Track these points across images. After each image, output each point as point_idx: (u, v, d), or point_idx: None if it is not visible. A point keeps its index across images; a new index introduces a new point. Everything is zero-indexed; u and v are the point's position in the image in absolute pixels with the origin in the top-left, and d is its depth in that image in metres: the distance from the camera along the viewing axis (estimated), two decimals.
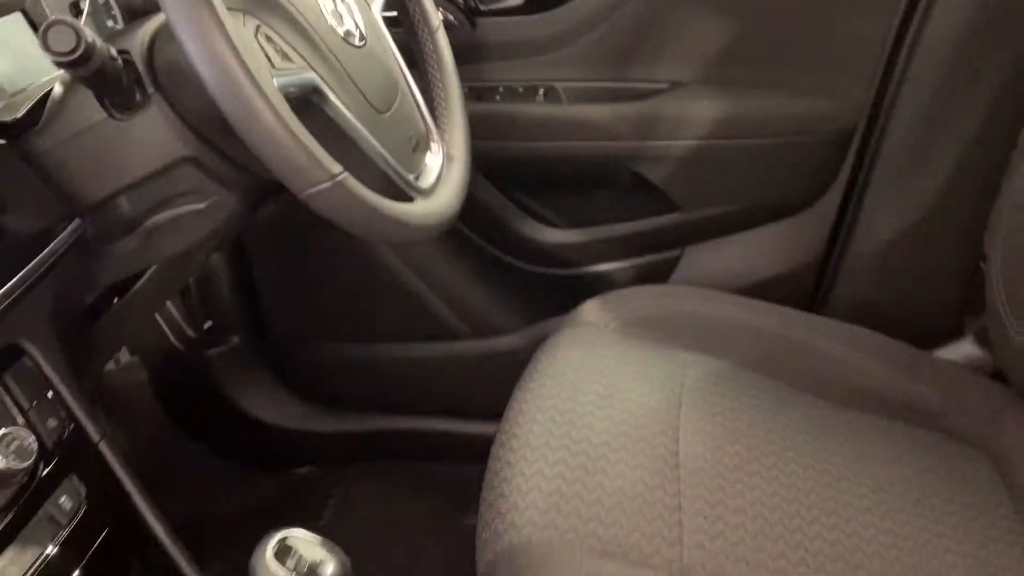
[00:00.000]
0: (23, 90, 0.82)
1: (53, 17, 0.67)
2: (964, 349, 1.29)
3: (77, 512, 0.72)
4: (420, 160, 0.93)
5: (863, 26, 1.23)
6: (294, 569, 0.58)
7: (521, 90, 1.35)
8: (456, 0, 1.31)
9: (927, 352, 1.21)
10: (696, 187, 1.36)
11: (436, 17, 1.05)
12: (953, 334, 1.32)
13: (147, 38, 0.79)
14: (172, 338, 1.45)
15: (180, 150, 0.80)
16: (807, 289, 1.40)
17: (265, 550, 0.59)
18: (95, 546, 0.73)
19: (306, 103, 0.73)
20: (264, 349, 1.53)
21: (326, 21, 0.84)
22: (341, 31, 0.85)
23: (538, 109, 1.36)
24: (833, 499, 0.86)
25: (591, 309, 1.14)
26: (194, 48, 0.63)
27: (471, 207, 0.97)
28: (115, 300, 0.97)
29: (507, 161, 1.37)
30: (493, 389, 1.13)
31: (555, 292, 1.44)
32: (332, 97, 0.76)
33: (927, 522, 0.85)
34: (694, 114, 1.30)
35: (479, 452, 1.02)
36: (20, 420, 0.71)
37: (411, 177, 0.86)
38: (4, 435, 0.67)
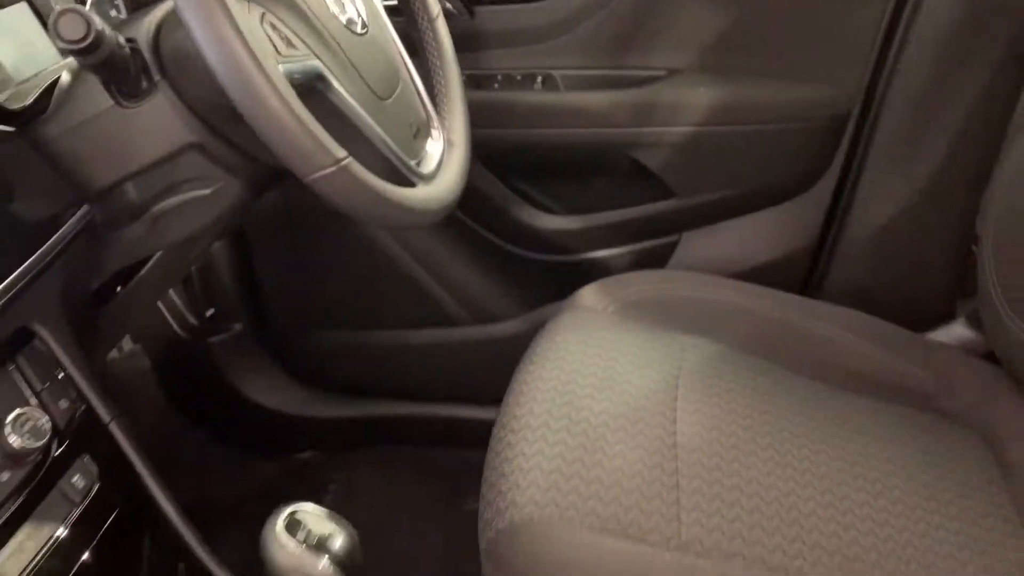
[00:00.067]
0: (30, 79, 0.84)
1: (64, 5, 0.69)
2: (956, 331, 1.30)
3: (90, 491, 0.74)
4: (421, 146, 0.95)
5: (857, 14, 1.24)
6: (304, 541, 0.60)
7: (519, 78, 1.36)
8: None
9: (920, 335, 1.22)
10: (693, 173, 1.37)
11: (436, 6, 1.05)
12: (945, 317, 1.33)
13: (153, 26, 0.80)
14: (175, 326, 1.46)
15: (186, 137, 0.81)
16: (802, 273, 1.41)
17: (275, 524, 0.61)
18: (107, 524, 0.74)
19: (310, 90, 0.75)
20: (266, 336, 1.54)
21: (328, 9, 0.85)
22: (343, 19, 0.86)
23: (536, 97, 1.36)
24: (827, 477, 0.87)
25: (590, 294, 1.15)
26: (202, 35, 0.64)
27: (470, 194, 0.98)
28: (118, 288, 0.98)
29: (505, 148, 1.38)
30: (492, 375, 1.15)
31: (553, 278, 1.45)
32: (336, 84, 0.77)
33: (920, 499, 0.86)
34: (690, 101, 1.31)
35: (479, 437, 1.03)
36: (33, 401, 0.73)
37: (413, 163, 0.87)
38: (18, 415, 0.69)
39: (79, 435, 0.75)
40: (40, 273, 0.75)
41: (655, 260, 1.44)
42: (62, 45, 0.68)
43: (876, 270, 1.35)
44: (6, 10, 0.84)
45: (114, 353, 1.47)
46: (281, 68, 0.68)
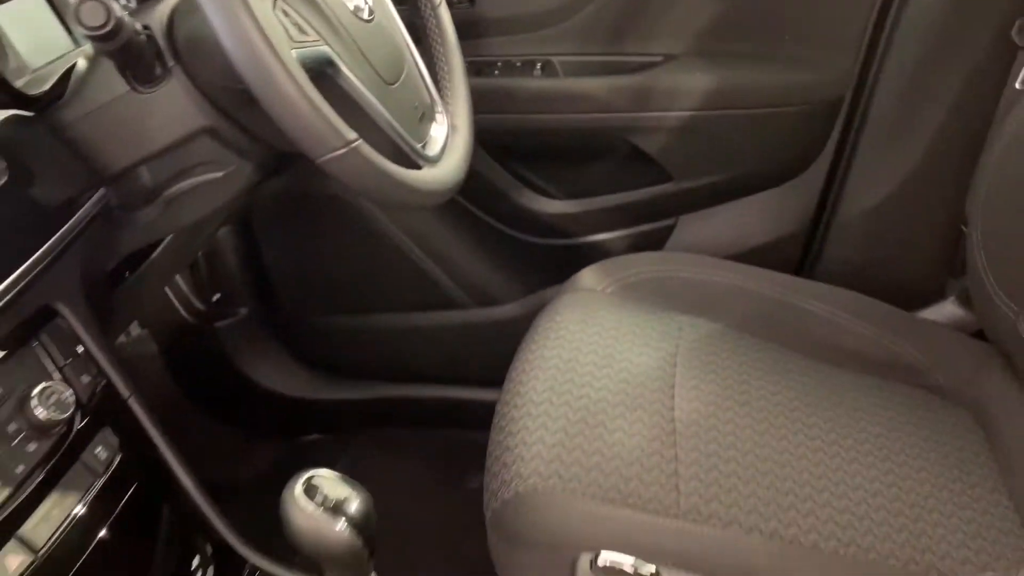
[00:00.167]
0: (44, 66, 0.86)
1: None
2: (947, 310, 1.32)
3: (112, 463, 0.76)
4: (426, 130, 0.97)
5: (849, 1, 1.25)
6: (321, 505, 0.62)
7: (519, 64, 1.37)
8: None
9: (912, 313, 1.25)
10: (689, 157, 1.38)
11: None
12: (936, 296, 1.35)
13: (166, 13, 0.82)
14: (181, 311, 1.48)
15: (199, 121, 0.84)
16: (797, 254, 1.42)
17: (294, 488, 0.64)
18: (128, 495, 0.77)
19: (320, 75, 0.77)
20: (271, 320, 1.55)
21: None
22: (351, 6, 0.88)
23: (536, 82, 1.37)
24: (821, 450, 0.89)
25: (589, 275, 1.17)
26: (219, 22, 0.66)
27: (470, 179, 1.00)
28: (126, 274, 1.00)
29: (505, 134, 1.39)
30: (494, 356, 1.17)
31: (553, 262, 1.46)
32: (345, 69, 0.79)
33: (911, 470, 0.89)
34: (687, 86, 1.32)
35: (480, 418, 1.05)
36: (56, 376, 0.75)
37: (419, 146, 0.89)
38: (44, 388, 0.72)
39: (100, 409, 0.78)
40: (60, 254, 0.78)
41: (653, 243, 1.46)
42: (83, 31, 0.71)
43: (869, 251, 1.37)
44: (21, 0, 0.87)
45: (122, 338, 1.48)
46: (294, 53, 0.71)
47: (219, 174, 0.89)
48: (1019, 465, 0.91)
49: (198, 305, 1.49)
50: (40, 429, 0.71)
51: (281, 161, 0.96)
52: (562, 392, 0.94)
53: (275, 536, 0.92)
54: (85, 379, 0.78)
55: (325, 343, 1.58)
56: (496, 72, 1.38)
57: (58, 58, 0.87)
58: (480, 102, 1.12)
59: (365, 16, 0.89)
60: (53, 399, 0.71)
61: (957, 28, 1.18)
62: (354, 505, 0.64)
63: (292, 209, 1.41)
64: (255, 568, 0.86)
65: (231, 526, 0.85)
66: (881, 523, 0.83)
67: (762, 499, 0.84)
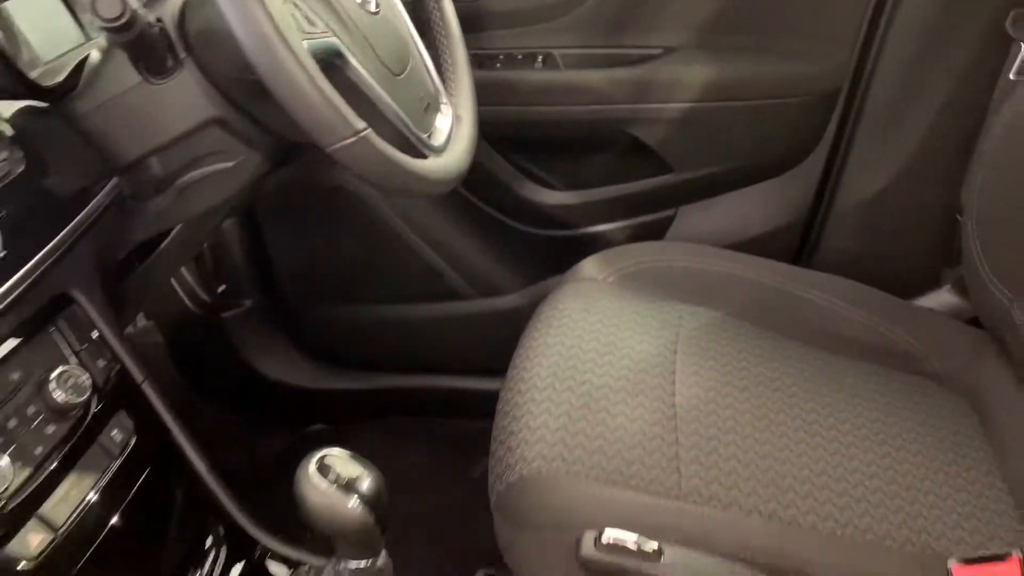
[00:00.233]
0: (56, 59, 0.87)
1: None
2: (942, 298, 1.33)
3: (127, 445, 0.78)
4: (431, 120, 0.98)
5: None
6: (334, 482, 0.64)
7: (520, 57, 1.38)
8: None
9: (908, 301, 1.26)
10: (689, 148, 1.39)
11: None
12: (932, 284, 1.36)
13: (178, 6, 0.84)
14: (187, 302, 1.49)
15: (210, 112, 0.85)
16: (795, 244, 1.43)
17: (308, 466, 0.65)
18: (143, 477, 0.79)
19: (329, 66, 0.79)
20: (276, 311, 1.56)
21: None
22: None
23: (537, 75, 1.38)
24: (819, 434, 0.91)
25: (590, 265, 1.18)
26: (232, 13, 0.68)
27: (472, 171, 1.01)
28: (135, 265, 1.02)
29: (507, 126, 1.40)
30: (496, 346, 1.18)
31: (554, 252, 1.47)
32: (353, 61, 0.81)
33: (907, 454, 0.90)
34: (686, 78, 1.33)
35: (483, 407, 1.06)
36: (73, 361, 0.77)
37: (424, 136, 0.91)
38: (61, 372, 0.73)
39: (115, 393, 0.80)
40: (75, 242, 0.79)
41: (653, 233, 1.46)
42: (100, 23, 0.72)
43: (866, 240, 1.38)
44: None
45: (129, 328, 1.49)
46: (305, 44, 0.72)
47: (229, 164, 0.90)
48: (1013, 449, 0.93)
49: (203, 296, 1.50)
50: (58, 412, 0.73)
51: (288, 151, 0.98)
52: (565, 378, 0.95)
53: (281, 524, 0.94)
54: (100, 364, 0.79)
55: (330, 334, 1.58)
56: (498, 65, 1.39)
57: (69, 51, 0.89)
58: (482, 94, 1.13)
59: (372, 9, 0.91)
60: (70, 383, 0.73)
61: (952, 20, 1.19)
62: (366, 483, 0.66)
63: (296, 201, 1.42)
64: (267, 549, 0.88)
65: (243, 508, 0.86)
66: (878, 505, 0.84)
67: (761, 481, 0.85)
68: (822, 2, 1.28)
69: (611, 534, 0.78)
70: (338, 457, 0.66)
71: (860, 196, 1.35)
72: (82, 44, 0.90)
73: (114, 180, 0.86)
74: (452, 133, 0.99)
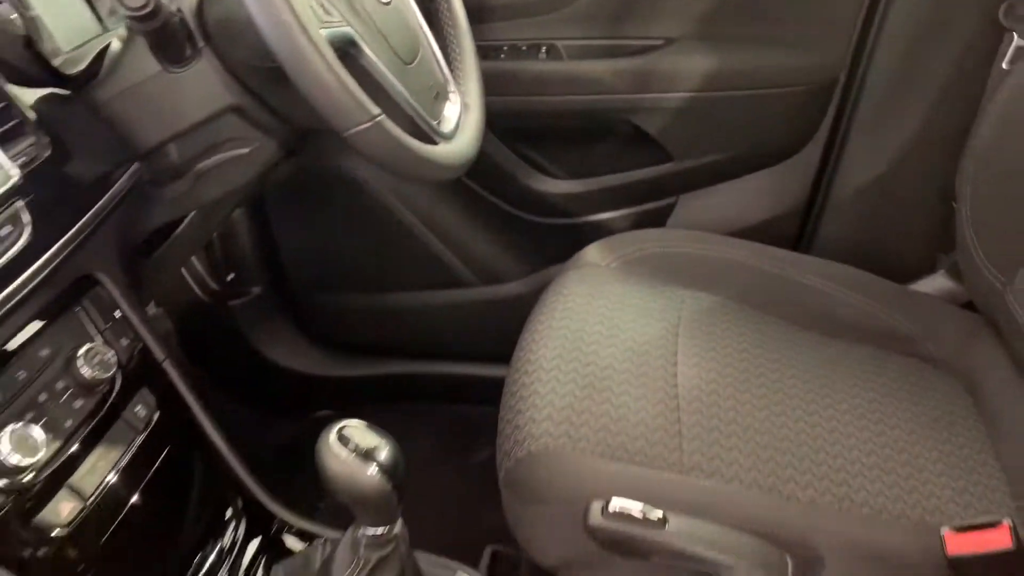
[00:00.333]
0: (76, 48, 0.89)
1: None
2: (937, 283, 1.35)
3: (151, 420, 0.81)
4: (441, 108, 1.01)
5: None
6: (354, 451, 0.67)
7: (524, 48, 1.39)
8: None
9: (904, 286, 1.27)
10: (689, 137, 1.40)
11: None
12: (927, 269, 1.38)
13: None
14: (196, 290, 1.50)
15: (227, 99, 0.88)
16: (794, 231, 1.45)
17: (328, 436, 0.68)
18: (166, 451, 0.81)
19: (344, 55, 0.81)
20: (284, 299, 1.58)
21: None
22: None
23: (540, 66, 1.40)
24: (817, 413, 0.93)
25: (594, 251, 1.20)
26: (254, 4, 0.70)
27: (477, 160, 1.03)
28: (149, 251, 1.04)
29: (511, 115, 1.41)
30: (501, 333, 1.19)
31: (557, 240, 1.48)
32: (366, 49, 0.83)
33: (903, 432, 0.93)
34: (687, 68, 1.35)
35: (487, 393, 1.09)
36: (98, 339, 0.79)
37: (434, 123, 0.93)
38: (88, 349, 0.76)
39: (139, 370, 0.82)
40: (99, 226, 0.82)
41: (654, 221, 1.48)
42: (125, 12, 0.75)
43: (863, 226, 1.40)
44: None
45: None
46: (323, 33, 0.75)
47: (245, 150, 0.93)
48: (1005, 429, 0.95)
49: (213, 284, 1.52)
50: (86, 387, 0.75)
51: (301, 140, 1.00)
52: (570, 360, 0.97)
53: (292, 507, 0.96)
54: (124, 342, 0.82)
55: (337, 321, 1.60)
56: (502, 56, 1.40)
57: (87, 41, 0.90)
58: (487, 85, 1.15)
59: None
60: (97, 359, 0.76)
61: (946, 11, 1.21)
62: (384, 452, 0.68)
63: (304, 191, 1.44)
64: (283, 524, 0.90)
65: (259, 482, 0.89)
66: (874, 480, 0.86)
67: (761, 457, 0.87)
68: None
69: (617, 503, 0.80)
70: (357, 428, 0.69)
71: (857, 184, 1.37)
72: (100, 35, 0.92)
73: (135, 165, 0.88)
74: (461, 121, 1.01)
